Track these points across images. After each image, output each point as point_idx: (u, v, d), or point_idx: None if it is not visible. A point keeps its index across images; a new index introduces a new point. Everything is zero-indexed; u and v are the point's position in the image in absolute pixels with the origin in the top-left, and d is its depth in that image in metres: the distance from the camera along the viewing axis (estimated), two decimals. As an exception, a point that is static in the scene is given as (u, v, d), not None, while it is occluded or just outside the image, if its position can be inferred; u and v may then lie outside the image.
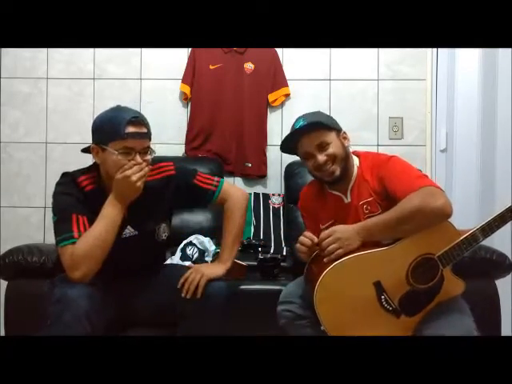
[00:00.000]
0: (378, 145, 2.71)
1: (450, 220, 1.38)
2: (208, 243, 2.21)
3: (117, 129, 1.41)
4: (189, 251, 2.14)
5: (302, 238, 1.47)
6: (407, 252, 1.38)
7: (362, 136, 2.71)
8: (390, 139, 2.71)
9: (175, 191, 1.62)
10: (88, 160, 1.67)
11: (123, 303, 1.55)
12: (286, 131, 1.69)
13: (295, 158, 2.33)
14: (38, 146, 2.75)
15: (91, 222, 1.45)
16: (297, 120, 1.55)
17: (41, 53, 2.74)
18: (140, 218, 1.55)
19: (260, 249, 2.34)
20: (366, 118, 2.72)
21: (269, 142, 2.71)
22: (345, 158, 1.51)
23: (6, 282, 1.81)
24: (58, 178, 1.56)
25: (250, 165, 2.67)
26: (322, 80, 2.74)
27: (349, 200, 1.55)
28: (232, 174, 2.71)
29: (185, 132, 2.70)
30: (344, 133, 1.55)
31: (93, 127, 1.50)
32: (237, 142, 2.67)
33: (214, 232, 2.44)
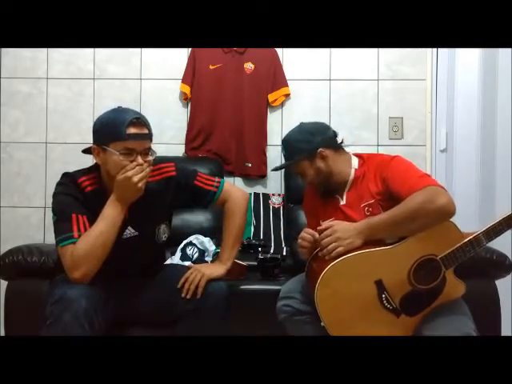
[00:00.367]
0: (378, 145, 2.71)
1: (454, 222, 1.39)
2: (208, 243, 2.21)
3: (118, 130, 1.41)
4: (189, 251, 2.14)
5: (303, 234, 1.48)
6: (410, 252, 1.38)
7: (362, 136, 2.71)
8: (390, 139, 2.71)
9: (176, 192, 1.62)
10: (88, 160, 1.67)
11: (123, 303, 1.55)
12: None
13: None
14: (37, 145, 2.75)
15: (91, 222, 1.45)
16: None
17: (41, 53, 2.74)
18: (140, 219, 1.55)
19: (260, 249, 2.34)
20: (366, 118, 2.72)
21: (269, 142, 2.71)
22: (326, 175, 1.56)
23: (6, 282, 1.81)
24: (57, 178, 1.55)
25: (249, 165, 2.67)
26: (322, 80, 2.73)
27: (344, 202, 1.56)
28: (232, 174, 2.71)
29: (185, 132, 2.70)
30: (322, 151, 1.55)
31: (94, 128, 1.50)
32: (237, 141, 2.67)
33: (214, 232, 2.44)
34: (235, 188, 1.75)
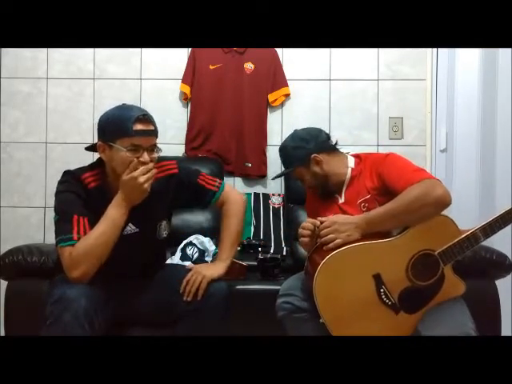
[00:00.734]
0: (377, 145, 2.71)
1: (452, 218, 1.40)
2: (208, 243, 2.21)
3: (125, 126, 1.41)
4: (189, 251, 2.14)
5: (304, 224, 1.50)
6: (408, 246, 1.40)
7: (362, 136, 2.71)
8: (390, 139, 2.71)
9: (177, 190, 1.62)
10: (89, 159, 1.67)
11: (123, 303, 1.55)
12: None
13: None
14: (37, 145, 2.75)
15: (93, 222, 1.44)
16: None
17: (41, 53, 2.74)
18: (141, 216, 1.54)
19: (260, 249, 2.34)
20: (366, 118, 2.72)
21: (269, 142, 2.71)
22: (322, 178, 1.62)
23: (6, 282, 1.81)
24: (58, 178, 1.55)
25: (249, 165, 2.67)
26: (322, 80, 2.73)
27: (343, 200, 1.60)
28: (232, 174, 2.71)
29: (185, 132, 2.70)
30: (315, 156, 1.60)
31: (99, 125, 1.50)
32: (237, 141, 2.67)
33: (214, 232, 2.43)
34: (235, 191, 1.77)
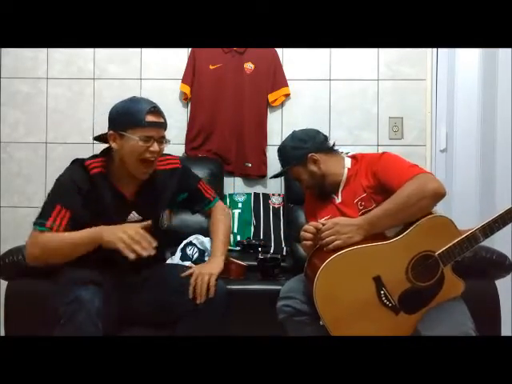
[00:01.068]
0: (378, 145, 2.71)
1: (451, 219, 1.41)
2: (208, 243, 2.20)
3: (137, 117, 1.50)
4: (189, 251, 2.14)
5: (306, 226, 1.51)
6: (408, 247, 1.40)
7: (362, 136, 2.71)
8: (390, 139, 2.71)
9: (179, 184, 1.70)
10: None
11: (123, 303, 1.55)
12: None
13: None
14: (37, 145, 2.75)
15: (79, 214, 1.50)
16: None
17: (41, 53, 2.74)
18: (144, 205, 1.60)
19: (260, 249, 2.34)
20: (366, 118, 2.72)
21: (269, 142, 2.71)
22: (319, 177, 1.64)
23: (6, 282, 1.81)
24: None
25: (249, 165, 2.67)
26: (322, 80, 2.73)
27: (340, 200, 1.62)
28: (232, 174, 2.71)
29: (185, 132, 2.70)
30: (312, 155, 1.63)
31: (111, 116, 1.57)
32: (237, 141, 2.67)
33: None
34: (224, 205, 1.89)
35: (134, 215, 1.59)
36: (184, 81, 2.68)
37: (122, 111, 1.54)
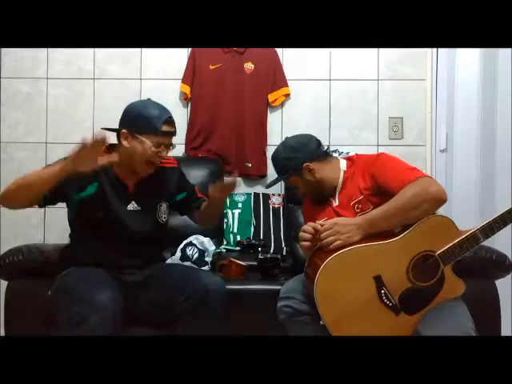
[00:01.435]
0: (378, 145, 2.71)
1: (451, 219, 1.41)
2: (208, 243, 2.21)
3: (155, 125, 1.59)
4: (189, 251, 2.14)
5: (305, 227, 1.51)
6: (409, 247, 1.40)
7: (362, 136, 2.71)
8: (390, 139, 2.71)
9: (177, 182, 1.77)
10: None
11: (124, 302, 1.55)
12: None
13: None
14: (37, 145, 2.75)
15: (73, 192, 1.60)
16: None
17: (41, 53, 2.73)
18: (144, 196, 1.68)
19: (260, 249, 2.34)
20: (366, 118, 2.72)
21: (269, 141, 2.71)
22: (315, 185, 1.63)
23: (6, 282, 1.81)
24: None
25: (249, 165, 2.67)
26: (322, 80, 2.73)
27: (337, 203, 1.62)
28: (232, 173, 2.71)
29: (185, 132, 2.69)
30: (307, 165, 1.61)
31: (127, 115, 1.63)
32: (237, 141, 2.67)
33: (214, 232, 2.44)
34: None
35: (133, 204, 1.67)
36: (184, 81, 2.68)
37: (140, 115, 1.60)
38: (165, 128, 1.60)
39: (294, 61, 2.73)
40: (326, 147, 1.70)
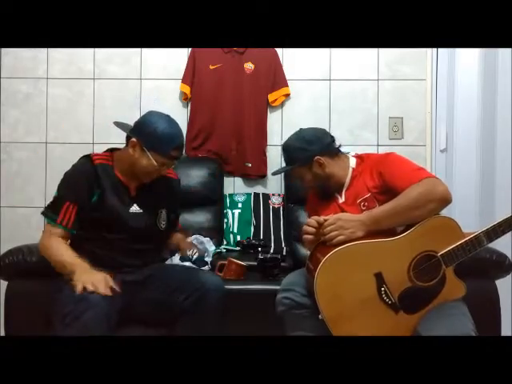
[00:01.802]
0: (378, 145, 2.71)
1: (455, 220, 1.41)
2: (208, 243, 2.21)
3: (165, 147, 1.60)
4: (189, 251, 2.13)
5: (309, 220, 1.50)
6: (411, 246, 1.40)
7: (362, 136, 2.71)
8: (390, 139, 2.71)
9: (175, 193, 1.81)
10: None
11: (124, 302, 1.56)
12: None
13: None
14: (37, 145, 2.75)
15: (86, 206, 1.60)
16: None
17: (41, 53, 2.74)
18: (145, 200, 1.70)
19: (260, 249, 2.34)
20: (366, 118, 2.72)
21: (269, 142, 2.71)
22: (323, 180, 1.64)
23: (6, 282, 1.81)
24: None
25: (249, 165, 2.67)
26: (322, 80, 2.74)
27: (343, 200, 1.62)
28: (232, 174, 2.71)
29: (185, 132, 2.70)
30: (318, 159, 1.62)
31: (142, 127, 1.62)
32: (237, 142, 2.67)
33: (214, 232, 2.44)
34: None
35: (135, 207, 1.68)
36: (184, 81, 2.68)
37: (154, 133, 1.59)
38: (173, 153, 1.62)
39: (294, 61, 2.73)
40: (338, 144, 1.69)
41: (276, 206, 2.63)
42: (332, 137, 1.70)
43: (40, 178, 2.73)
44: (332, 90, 2.73)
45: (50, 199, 1.64)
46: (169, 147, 1.60)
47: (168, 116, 1.66)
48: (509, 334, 2.05)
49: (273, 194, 2.68)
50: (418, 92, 2.70)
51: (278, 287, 1.63)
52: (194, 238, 2.20)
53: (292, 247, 2.39)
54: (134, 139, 1.61)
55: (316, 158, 1.62)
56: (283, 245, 2.48)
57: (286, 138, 1.74)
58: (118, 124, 1.70)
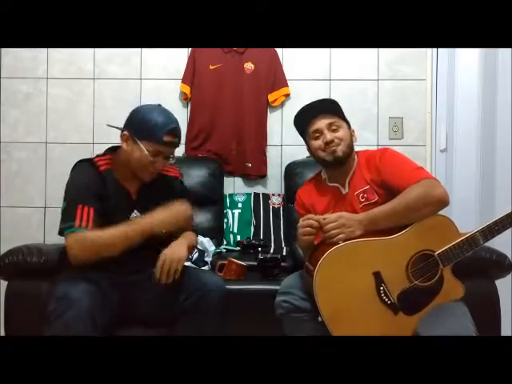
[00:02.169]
0: (377, 145, 2.71)
1: (452, 219, 1.42)
2: (208, 243, 2.21)
3: (157, 133, 1.52)
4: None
5: (308, 220, 1.47)
6: (408, 245, 1.40)
7: (362, 136, 2.70)
8: (390, 139, 2.71)
9: (177, 193, 1.72)
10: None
11: (123, 302, 1.56)
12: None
13: (295, 157, 2.31)
14: (37, 145, 2.75)
15: (102, 204, 1.53)
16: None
17: (41, 53, 2.74)
18: (146, 203, 1.62)
19: (260, 249, 2.34)
20: (366, 118, 2.72)
21: (269, 141, 2.71)
22: (350, 146, 1.62)
23: (6, 282, 1.81)
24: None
25: (249, 165, 2.67)
26: (322, 80, 2.74)
27: (346, 191, 1.61)
28: (232, 174, 2.71)
29: (185, 132, 2.70)
30: (353, 130, 1.68)
31: (132, 118, 1.58)
32: (237, 142, 2.67)
33: (214, 232, 2.44)
34: None
35: (136, 213, 1.62)
36: (184, 81, 2.68)
37: (143, 120, 1.54)
38: (166, 138, 1.53)
39: (294, 61, 2.73)
40: None
41: (276, 206, 2.63)
42: None
43: (40, 178, 2.73)
44: (332, 90, 2.73)
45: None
46: (161, 131, 1.52)
47: (159, 105, 1.61)
48: (509, 333, 2.05)
49: (273, 194, 2.68)
50: (417, 92, 2.70)
51: (277, 287, 1.63)
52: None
53: (292, 247, 2.38)
54: (125, 132, 1.57)
55: (352, 129, 1.69)
56: (283, 245, 2.48)
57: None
58: (111, 126, 1.67)
